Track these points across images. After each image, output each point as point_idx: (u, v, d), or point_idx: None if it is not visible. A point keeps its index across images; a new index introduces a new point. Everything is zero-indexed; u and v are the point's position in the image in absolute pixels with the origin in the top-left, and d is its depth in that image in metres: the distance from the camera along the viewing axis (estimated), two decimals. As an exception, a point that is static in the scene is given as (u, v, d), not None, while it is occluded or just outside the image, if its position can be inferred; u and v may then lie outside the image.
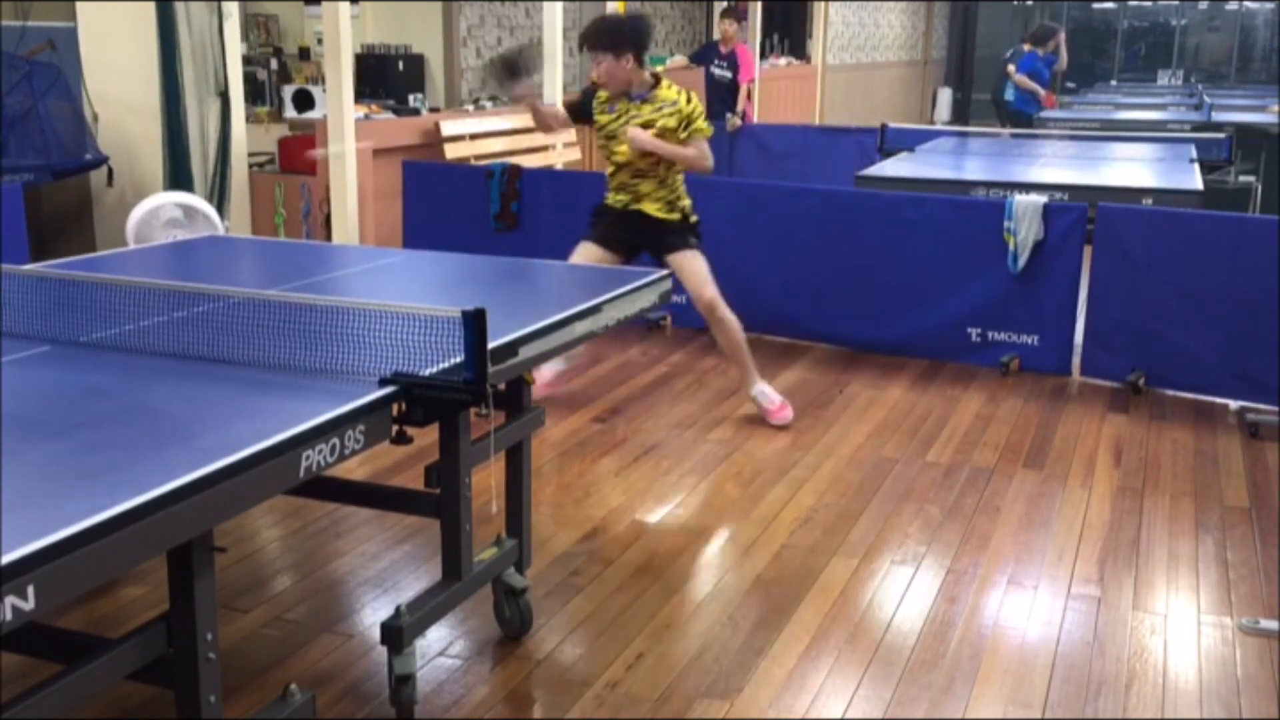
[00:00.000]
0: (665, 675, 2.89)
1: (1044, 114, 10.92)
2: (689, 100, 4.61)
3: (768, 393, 4.82)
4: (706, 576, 3.45)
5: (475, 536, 2.81)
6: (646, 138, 4.53)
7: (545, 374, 5.03)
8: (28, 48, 6.09)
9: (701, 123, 4.59)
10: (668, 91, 4.61)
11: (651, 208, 4.71)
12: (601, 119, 4.71)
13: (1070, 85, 17.76)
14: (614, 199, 4.78)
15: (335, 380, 2.33)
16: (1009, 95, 11.13)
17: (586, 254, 4.72)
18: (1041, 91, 10.81)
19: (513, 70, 4.59)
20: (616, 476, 4.23)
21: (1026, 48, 11.20)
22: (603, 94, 4.70)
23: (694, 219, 4.79)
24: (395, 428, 2.34)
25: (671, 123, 4.56)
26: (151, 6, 5.99)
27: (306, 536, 3.66)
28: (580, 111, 4.79)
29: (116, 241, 5.71)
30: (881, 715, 2.75)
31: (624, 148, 4.61)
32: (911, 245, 5.65)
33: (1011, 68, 11.03)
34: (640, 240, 4.75)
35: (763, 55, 13.23)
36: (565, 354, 3.59)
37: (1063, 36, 11.32)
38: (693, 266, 4.69)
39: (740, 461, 4.39)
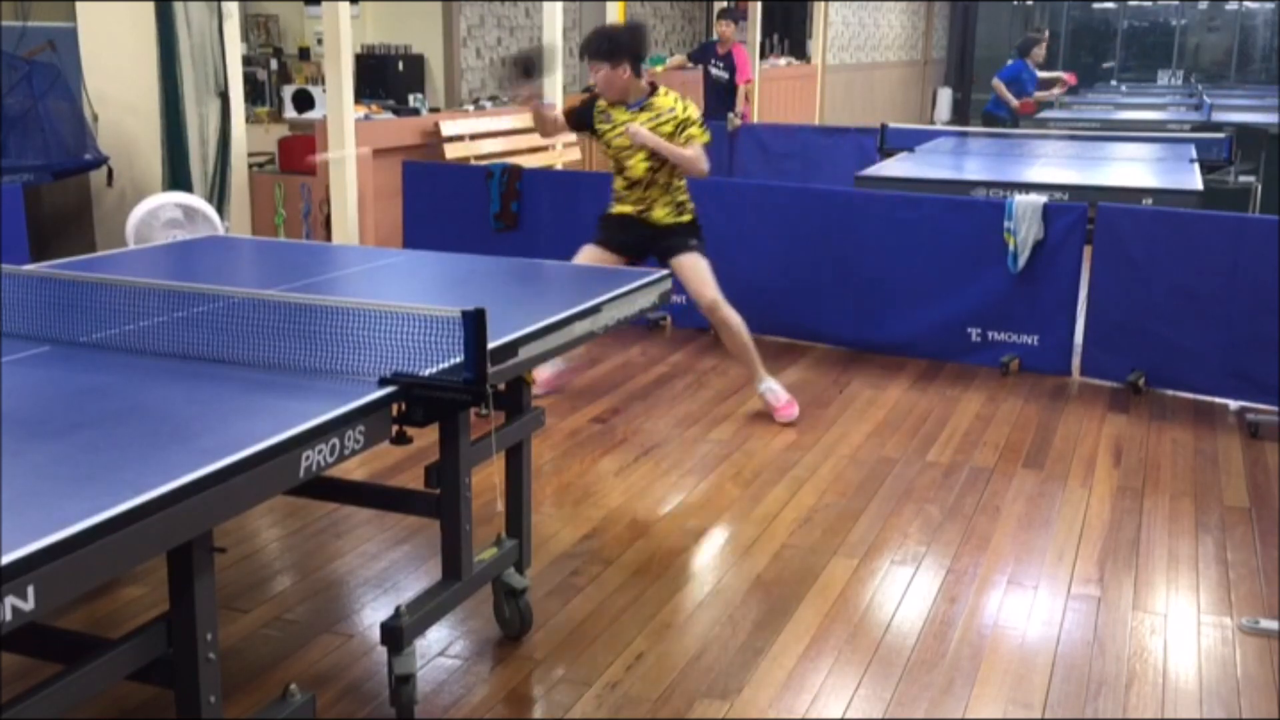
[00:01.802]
0: (665, 675, 2.89)
1: (1043, 115, 10.97)
2: (685, 107, 4.66)
3: (775, 389, 4.86)
4: (706, 576, 3.45)
5: (475, 536, 2.81)
6: (646, 132, 4.57)
7: (544, 372, 5.04)
8: (28, 48, 6.09)
9: (697, 129, 4.63)
10: (664, 99, 4.66)
11: (659, 214, 4.75)
12: (601, 128, 4.76)
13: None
14: (622, 209, 4.81)
15: (335, 380, 2.33)
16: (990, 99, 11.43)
17: (589, 256, 4.75)
18: (1014, 102, 10.88)
19: (527, 70, 4.64)
20: (616, 476, 4.23)
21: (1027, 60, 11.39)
22: (601, 103, 4.75)
23: (698, 221, 4.84)
24: (395, 428, 2.34)
25: (668, 129, 4.61)
26: (151, 6, 5.99)
27: (306, 536, 3.67)
28: (580, 120, 4.83)
29: (116, 241, 5.71)
30: (881, 715, 2.75)
31: (637, 160, 4.64)
32: (911, 245, 5.65)
33: (996, 80, 11.22)
34: (644, 244, 4.79)
35: (763, 55, 13.23)
36: (566, 354, 3.63)
37: (1042, 47, 11.47)
38: (695, 268, 4.72)
39: (740, 461, 4.39)
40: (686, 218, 4.79)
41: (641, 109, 4.66)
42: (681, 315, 6.20)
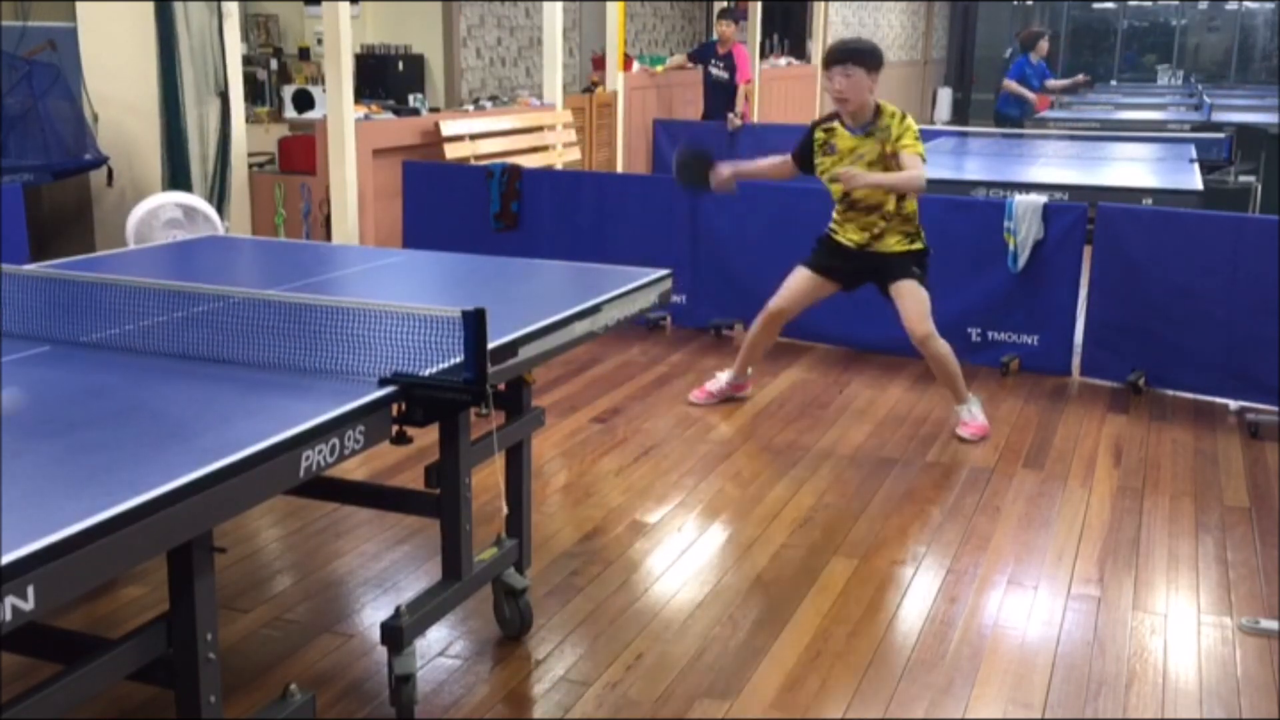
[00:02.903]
0: (665, 675, 2.89)
1: (1043, 115, 10.99)
2: (902, 119, 4.47)
3: (974, 411, 4.69)
4: (706, 576, 3.45)
5: (475, 536, 2.81)
6: (861, 175, 4.39)
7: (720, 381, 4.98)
8: (28, 48, 6.10)
9: (910, 139, 4.43)
10: (887, 117, 4.47)
11: (890, 243, 4.59)
12: (823, 162, 4.58)
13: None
14: (848, 237, 4.64)
15: (335, 380, 2.33)
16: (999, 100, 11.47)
17: (801, 281, 4.68)
18: (1031, 96, 10.91)
19: (697, 178, 4.65)
20: (616, 476, 4.23)
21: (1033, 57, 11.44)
22: (819, 134, 4.58)
23: (928, 250, 4.66)
24: (395, 428, 2.34)
25: (891, 146, 4.44)
26: (151, 6, 5.99)
27: (306, 536, 3.66)
28: (804, 159, 4.65)
29: (116, 241, 5.71)
30: (881, 715, 2.75)
31: (863, 190, 4.48)
32: (911, 245, 5.64)
33: (1006, 80, 11.26)
34: (869, 274, 4.65)
35: (763, 55, 13.23)
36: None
37: (1045, 42, 11.53)
38: (914, 297, 4.55)
39: (740, 461, 4.39)
40: (918, 245, 4.61)
41: (867, 135, 4.47)
42: (681, 315, 6.20)
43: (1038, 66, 11.01)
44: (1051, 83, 11.36)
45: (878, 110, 4.50)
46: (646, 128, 10.70)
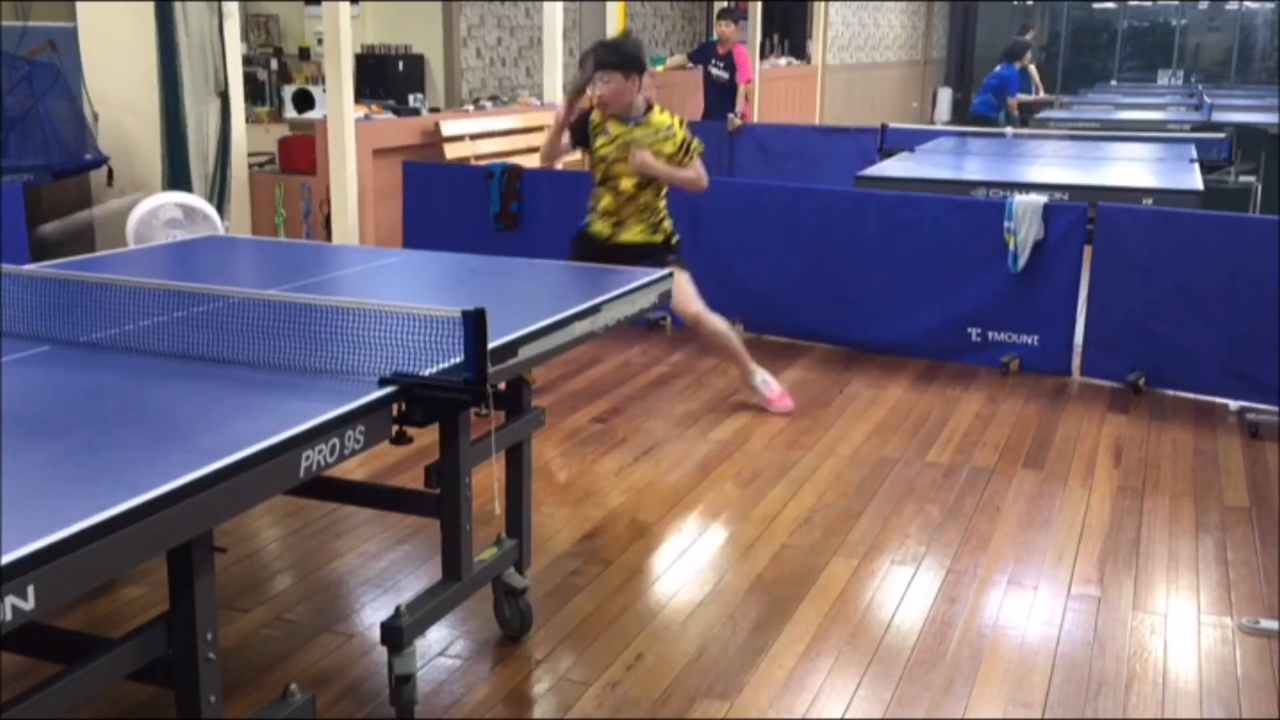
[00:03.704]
0: (665, 675, 2.89)
1: (1043, 115, 11.25)
2: (681, 123, 4.68)
3: (769, 382, 4.90)
4: (706, 576, 3.45)
5: (475, 536, 2.81)
6: (654, 162, 4.57)
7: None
8: (28, 48, 6.09)
9: (696, 143, 4.65)
10: (661, 116, 4.67)
11: (634, 234, 4.74)
12: (598, 142, 4.71)
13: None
14: (598, 227, 4.79)
15: (335, 380, 2.33)
16: (975, 101, 12.33)
17: None
18: (1012, 100, 11.75)
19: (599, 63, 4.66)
20: (616, 476, 4.23)
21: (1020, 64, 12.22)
22: (596, 116, 4.72)
23: (675, 239, 4.83)
24: (395, 428, 2.34)
25: (669, 148, 4.62)
26: (151, 6, 5.99)
27: (306, 536, 3.67)
28: (579, 135, 4.79)
29: (116, 241, 5.71)
30: (881, 715, 2.75)
31: (626, 177, 4.62)
32: (911, 245, 5.65)
33: (1010, 99, 11.92)
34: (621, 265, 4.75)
35: (763, 55, 13.24)
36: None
37: (1029, 55, 12.36)
38: (674, 285, 4.65)
39: (740, 461, 4.39)
40: (659, 237, 4.77)
41: (638, 125, 4.64)
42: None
43: (1020, 75, 11.71)
44: (1024, 97, 12.03)
45: (649, 106, 4.67)
46: (647, 128, 10.68)
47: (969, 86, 20.50)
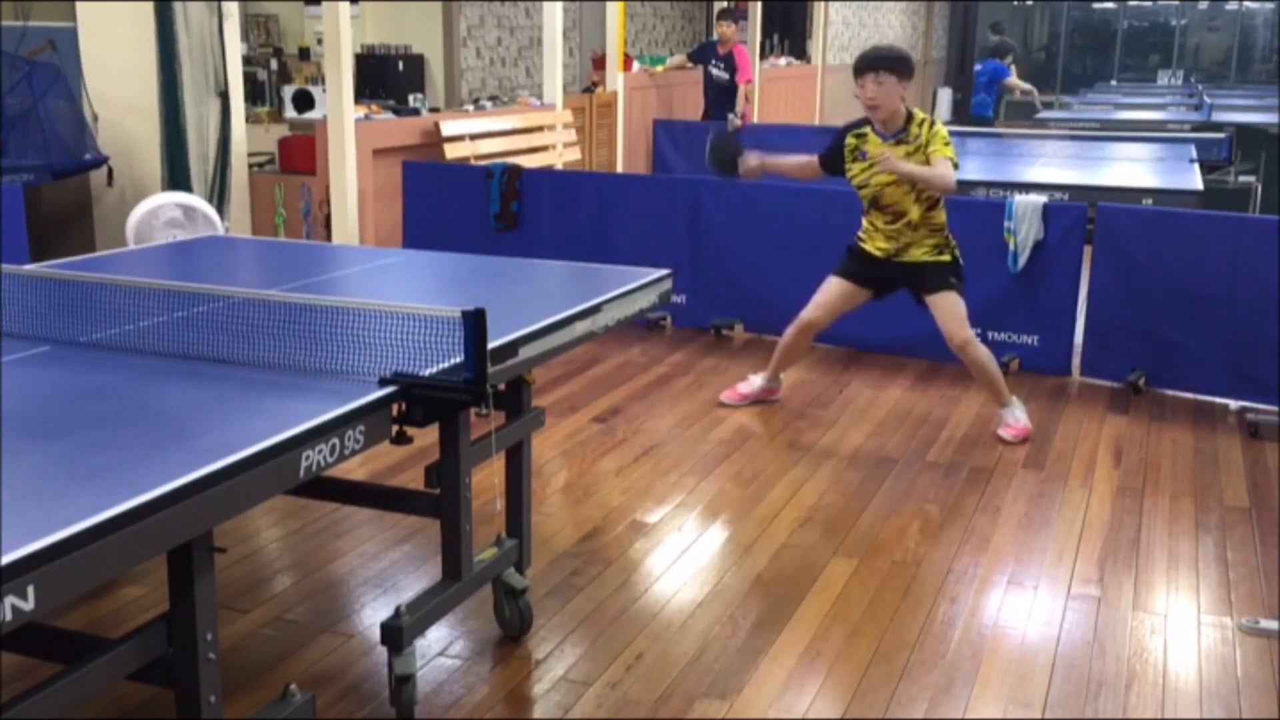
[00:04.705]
0: (665, 675, 2.89)
1: (1042, 115, 11.35)
2: (931, 125, 4.46)
3: (1017, 414, 4.68)
4: (706, 576, 3.45)
5: (475, 536, 2.81)
6: (897, 160, 4.36)
7: (754, 383, 4.99)
8: (28, 48, 6.09)
9: (942, 144, 4.39)
10: (918, 126, 4.46)
11: (917, 255, 4.57)
12: (855, 167, 4.58)
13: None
14: (876, 246, 4.63)
15: (335, 380, 2.33)
16: (974, 104, 12.71)
17: (832, 290, 4.70)
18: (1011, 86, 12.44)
19: (727, 163, 4.68)
20: (616, 476, 4.23)
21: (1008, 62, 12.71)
22: (850, 140, 4.59)
23: (959, 259, 4.64)
24: (395, 428, 2.34)
25: (920, 157, 4.42)
26: (151, 6, 5.99)
27: (306, 536, 3.67)
28: (833, 163, 4.66)
29: (116, 241, 5.71)
30: (881, 715, 2.75)
31: (899, 194, 4.47)
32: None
33: (1009, 80, 12.41)
34: (899, 282, 4.67)
35: (762, 55, 13.24)
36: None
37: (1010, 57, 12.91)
38: (950, 307, 4.56)
39: (740, 461, 4.39)
40: (947, 257, 4.58)
41: (899, 141, 4.45)
42: (681, 315, 6.20)
43: (1005, 70, 12.26)
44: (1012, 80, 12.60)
45: (909, 117, 4.49)
46: (646, 128, 10.70)
47: (969, 87, 20.51)
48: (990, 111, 11.75)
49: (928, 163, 4.39)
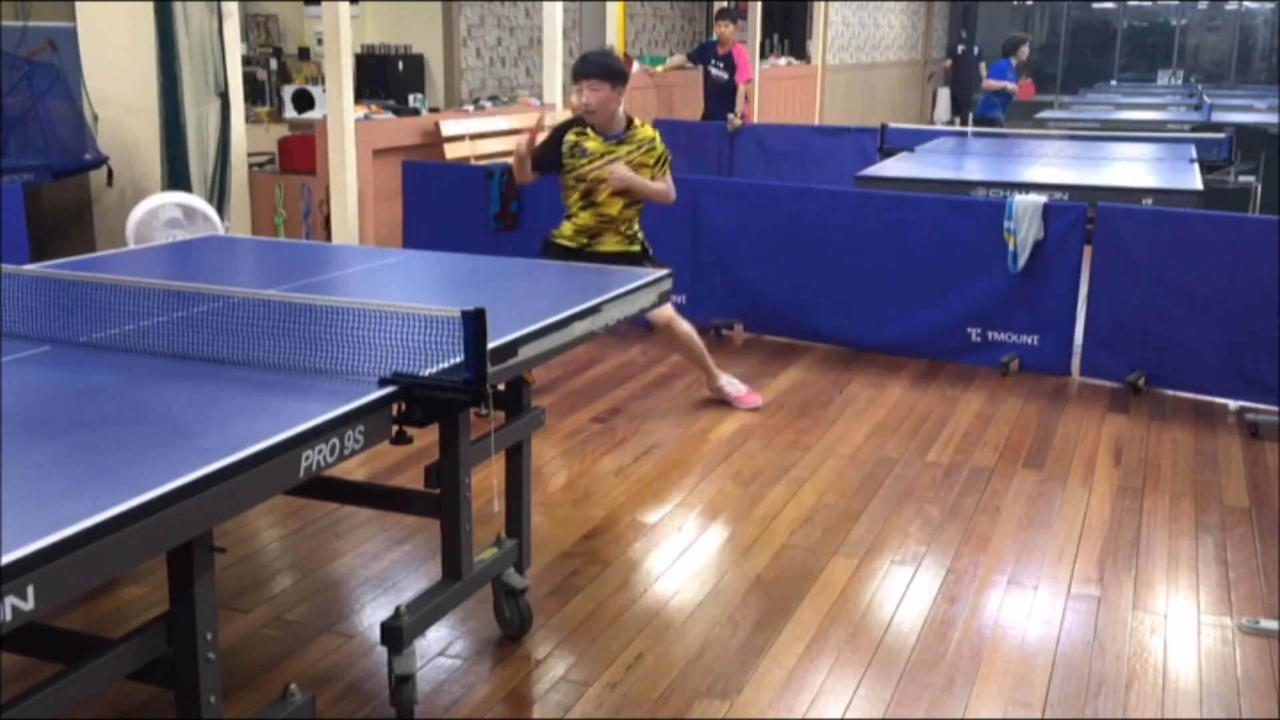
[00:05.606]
0: (665, 675, 2.89)
1: (1042, 115, 11.29)
2: (659, 138, 4.74)
3: (733, 381, 4.98)
4: (706, 576, 3.45)
5: (475, 536, 2.81)
6: (630, 175, 4.61)
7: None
8: (28, 48, 6.09)
9: (667, 167, 4.73)
10: (644, 130, 4.72)
11: (610, 244, 4.76)
12: (574, 163, 4.70)
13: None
14: (571, 239, 4.78)
15: (335, 380, 2.33)
16: (978, 104, 12.50)
17: None
18: (1011, 86, 11.84)
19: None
20: (616, 476, 4.23)
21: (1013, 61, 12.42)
22: (571, 137, 4.71)
23: (649, 248, 4.84)
24: (395, 428, 2.34)
25: (649, 160, 4.68)
26: (150, 6, 5.99)
27: (306, 536, 3.67)
28: (548, 160, 4.76)
29: (116, 241, 5.71)
30: (881, 715, 2.75)
31: (610, 196, 4.65)
32: (911, 245, 5.65)
33: (986, 80, 12.21)
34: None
35: (762, 55, 13.23)
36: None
37: (1025, 50, 12.49)
38: None
39: (740, 461, 4.39)
40: (636, 247, 4.80)
41: (622, 141, 4.68)
42: (681, 315, 6.18)
43: (1015, 68, 11.92)
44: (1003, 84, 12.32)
45: (630, 121, 4.73)
46: (646, 128, 10.69)
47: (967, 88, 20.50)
48: (995, 111, 11.67)
49: (653, 177, 4.69)
